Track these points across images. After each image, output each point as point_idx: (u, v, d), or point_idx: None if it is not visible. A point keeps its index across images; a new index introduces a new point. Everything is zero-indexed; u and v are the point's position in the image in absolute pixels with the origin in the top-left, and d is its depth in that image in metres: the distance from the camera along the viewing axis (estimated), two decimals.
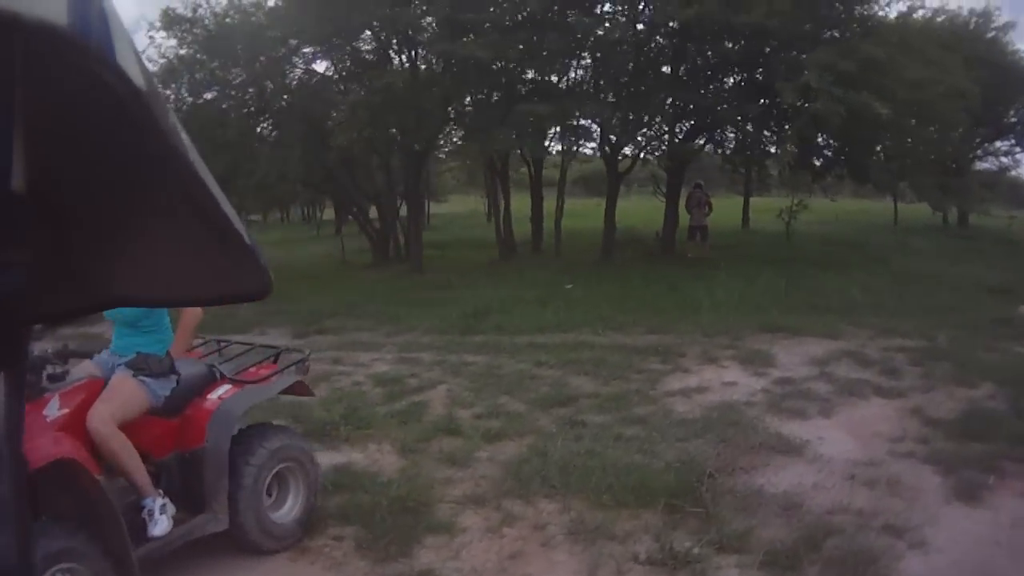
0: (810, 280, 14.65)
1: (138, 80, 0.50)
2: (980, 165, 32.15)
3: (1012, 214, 28.38)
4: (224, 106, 19.24)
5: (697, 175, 23.28)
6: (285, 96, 19.48)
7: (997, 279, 15.29)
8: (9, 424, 0.58)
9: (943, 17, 25.30)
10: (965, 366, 8.74)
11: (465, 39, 15.28)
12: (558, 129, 17.84)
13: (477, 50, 14.63)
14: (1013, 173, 35.57)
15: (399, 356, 10.07)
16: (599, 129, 18.20)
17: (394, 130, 17.73)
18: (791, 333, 10.62)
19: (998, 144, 32.00)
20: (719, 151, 21.44)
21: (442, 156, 28.36)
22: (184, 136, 0.58)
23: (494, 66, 15.58)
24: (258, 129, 20.52)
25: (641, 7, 16.81)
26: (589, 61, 17.79)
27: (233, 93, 19.38)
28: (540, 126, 15.68)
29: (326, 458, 5.91)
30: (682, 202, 20.56)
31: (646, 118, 17.32)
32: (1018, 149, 32.66)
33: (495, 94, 17.46)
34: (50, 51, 0.45)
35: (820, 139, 17.55)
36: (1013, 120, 30.48)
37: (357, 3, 16.08)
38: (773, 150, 17.25)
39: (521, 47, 15.73)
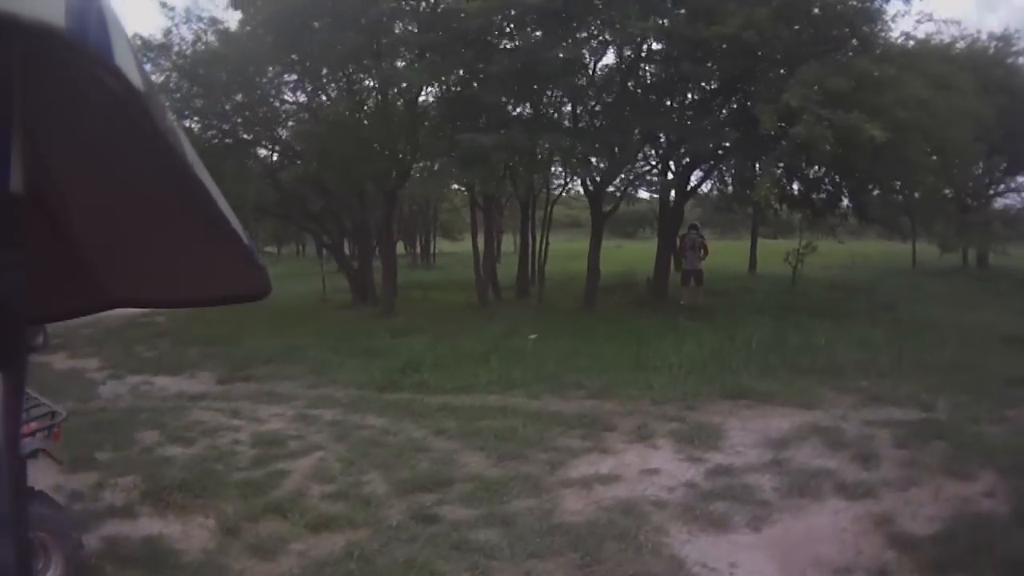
0: (801, 332, 12.81)
1: (136, 81, 0.50)
2: (1000, 202, 30.18)
3: None
4: (206, 134, 18.11)
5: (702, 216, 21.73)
6: (280, 122, 18.20)
7: (1014, 328, 13.43)
8: (8, 426, 0.56)
9: (961, 43, 23.58)
10: (963, 447, 7.04)
11: (400, 63, 13.80)
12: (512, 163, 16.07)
13: (411, 76, 13.13)
14: None
15: (300, 413, 9.03)
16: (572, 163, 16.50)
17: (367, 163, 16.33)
18: (757, 401, 8.88)
19: (1021, 179, 29.87)
20: (716, 189, 19.82)
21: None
22: (182, 136, 0.58)
23: (432, 91, 14.05)
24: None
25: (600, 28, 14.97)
26: (558, 91, 16.09)
27: (215, 123, 18.23)
28: (486, 159, 14.05)
29: (146, 526, 5.58)
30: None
31: (617, 150, 15.47)
32: None
33: (453, 124, 15.86)
34: (49, 52, 0.46)
35: (817, 171, 15.76)
36: None
37: (308, 30, 14.77)
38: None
39: (462, 72, 14.20)
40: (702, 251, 18.24)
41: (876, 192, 16.00)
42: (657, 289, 18.39)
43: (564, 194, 21.10)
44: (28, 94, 0.52)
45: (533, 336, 13.59)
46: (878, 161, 13.45)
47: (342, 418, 8.72)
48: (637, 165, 18.82)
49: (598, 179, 16.42)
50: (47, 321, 1.94)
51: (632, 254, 29.29)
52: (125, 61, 0.50)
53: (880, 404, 8.76)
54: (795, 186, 17.84)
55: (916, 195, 15.94)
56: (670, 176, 18.85)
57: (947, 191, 17.25)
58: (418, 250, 40.42)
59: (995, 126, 16.27)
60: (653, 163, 19.28)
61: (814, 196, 17.59)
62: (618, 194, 18.90)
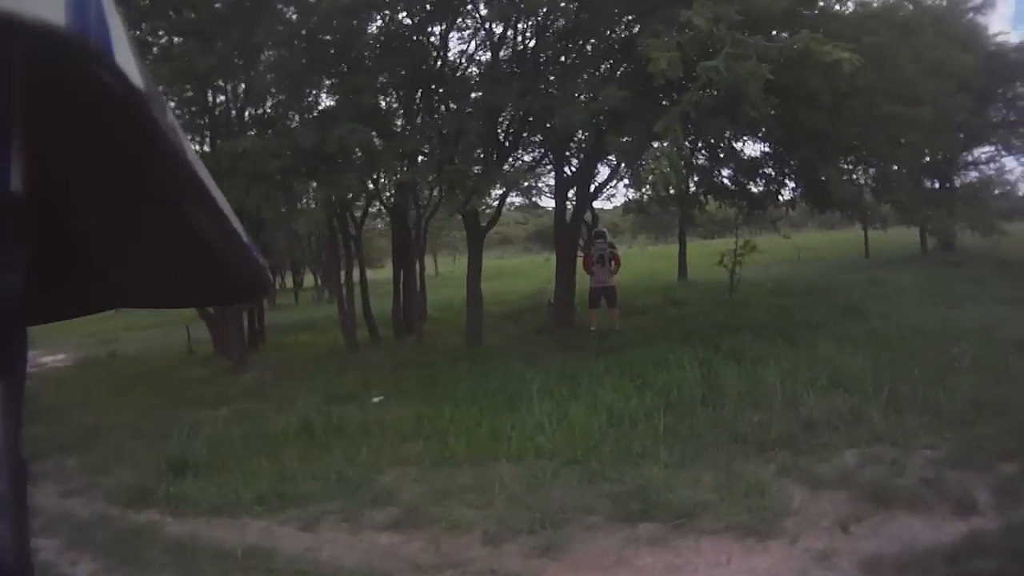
0: (745, 366, 9.04)
1: (136, 80, 0.49)
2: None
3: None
4: None
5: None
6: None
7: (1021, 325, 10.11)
8: (8, 428, 0.55)
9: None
10: None
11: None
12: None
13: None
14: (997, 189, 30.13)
15: None
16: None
17: None
18: (670, 526, 5.01)
19: (976, 152, 26.67)
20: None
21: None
22: (183, 135, 0.57)
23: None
24: None
25: None
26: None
27: None
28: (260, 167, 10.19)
29: None
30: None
31: (461, 147, 11.22)
32: (1004, 154, 27.21)
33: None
34: (48, 51, 0.44)
35: (752, 145, 11.92)
36: (995, 120, 24.93)
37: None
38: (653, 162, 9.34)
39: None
40: (612, 263, 14.35)
41: (845, 164, 11.98)
42: (560, 314, 14.48)
43: (434, 212, 16.84)
44: (28, 93, 0.48)
45: (377, 399, 9.91)
46: (839, 118, 9.62)
47: (50, 558, 5.71)
48: (520, 163, 14.87)
49: (470, 188, 12.11)
50: (47, 321, 0.72)
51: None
52: (126, 59, 0.47)
53: (885, 508, 5.04)
54: (724, 172, 14.19)
55: (896, 167, 12.00)
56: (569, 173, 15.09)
57: (926, 157, 13.56)
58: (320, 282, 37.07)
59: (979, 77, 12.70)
60: (530, 159, 15.42)
61: (749, 183, 13.87)
62: (495, 203, 14.83)
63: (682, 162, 9.28)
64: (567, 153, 14.58)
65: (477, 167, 11.81)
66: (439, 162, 10.84)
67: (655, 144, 8.99)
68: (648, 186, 9.82)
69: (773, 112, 8.89)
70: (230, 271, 0.73)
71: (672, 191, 10.55)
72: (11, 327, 0.54)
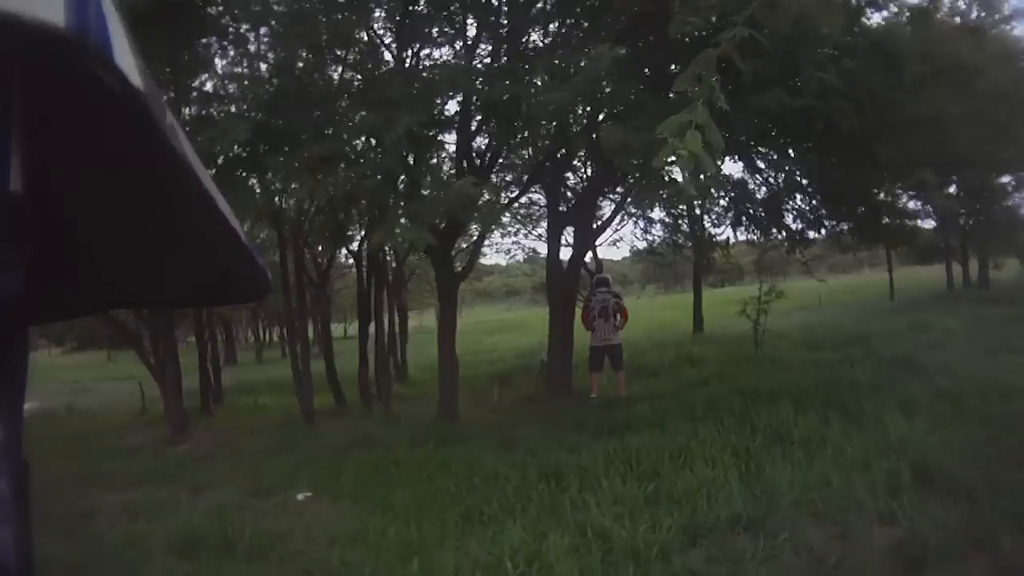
0: (794, 452, 6.73)
1: (136, 80, 0.49)
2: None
3: None
4: None
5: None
6: None
7: None
8: (8, 429, 0.55)
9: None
10: None
11: None
12: None
13: None
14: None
15: None
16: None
17: None
18: None
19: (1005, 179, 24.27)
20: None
21: None
22: (182, 136, 0.58)
23: None
24: None
25: None
26: None
27: None
28: None
29: None
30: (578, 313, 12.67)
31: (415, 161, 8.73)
32: None
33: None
34: (48, 52, 0.45)
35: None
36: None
37: None
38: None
39: None
40: (618, 317, 11.97)
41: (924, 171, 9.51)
42: (555, 378, 12.09)
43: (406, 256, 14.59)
44: (28, 93, 0.50)
45: (302, 496, 7.91)
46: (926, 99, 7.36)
47: None
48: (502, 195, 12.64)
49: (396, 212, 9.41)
50: (47, 321, 0.91)
51: None
52: (125, 60, 0.48)
53: None
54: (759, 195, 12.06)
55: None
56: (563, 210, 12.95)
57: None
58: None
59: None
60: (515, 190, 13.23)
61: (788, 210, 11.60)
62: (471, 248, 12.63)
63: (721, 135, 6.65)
64: (562, 186, 12.39)
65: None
66: (357, 175, 8.41)
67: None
68: (664, 189, 7.37)
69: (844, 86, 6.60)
70: (230, 272, 0.75)
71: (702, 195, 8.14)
72: (11, 327, 0.53)
